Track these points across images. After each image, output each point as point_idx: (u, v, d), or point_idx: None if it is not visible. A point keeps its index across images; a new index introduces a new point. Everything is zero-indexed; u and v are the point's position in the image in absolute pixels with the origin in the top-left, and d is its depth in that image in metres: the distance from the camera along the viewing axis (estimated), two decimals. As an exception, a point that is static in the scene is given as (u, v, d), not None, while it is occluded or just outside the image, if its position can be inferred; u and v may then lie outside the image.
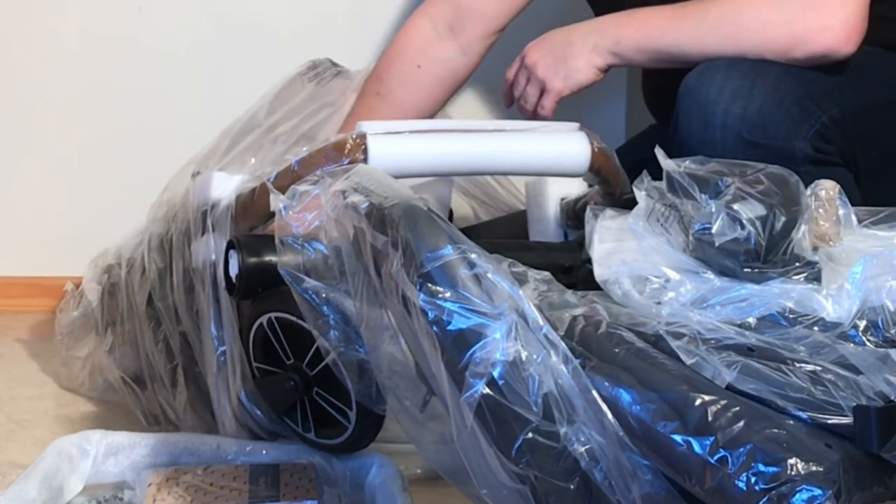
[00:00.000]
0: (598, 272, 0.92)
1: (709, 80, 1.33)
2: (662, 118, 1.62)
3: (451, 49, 1.62)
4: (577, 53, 1.42)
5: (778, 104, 1.31)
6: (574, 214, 1.34)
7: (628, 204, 1.20)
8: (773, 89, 1.32)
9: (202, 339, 1.25)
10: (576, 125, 1.28)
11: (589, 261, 0.96)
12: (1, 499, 1.03)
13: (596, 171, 1.26)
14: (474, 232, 1.50)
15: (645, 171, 0.95)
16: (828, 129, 1.32)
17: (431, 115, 1.63)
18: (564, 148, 1.24)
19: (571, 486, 0.79)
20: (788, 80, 1.33)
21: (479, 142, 1.22)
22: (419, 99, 1.60)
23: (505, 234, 1.50)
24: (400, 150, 1.17)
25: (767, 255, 0.90)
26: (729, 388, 0.77)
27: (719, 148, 1.30)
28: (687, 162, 0.92)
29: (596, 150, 1.24)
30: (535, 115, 1.48)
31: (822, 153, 1.32)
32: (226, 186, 1.25)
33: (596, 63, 1.42)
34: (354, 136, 1.14)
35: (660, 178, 0.95)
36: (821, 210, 0.94)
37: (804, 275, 0.90)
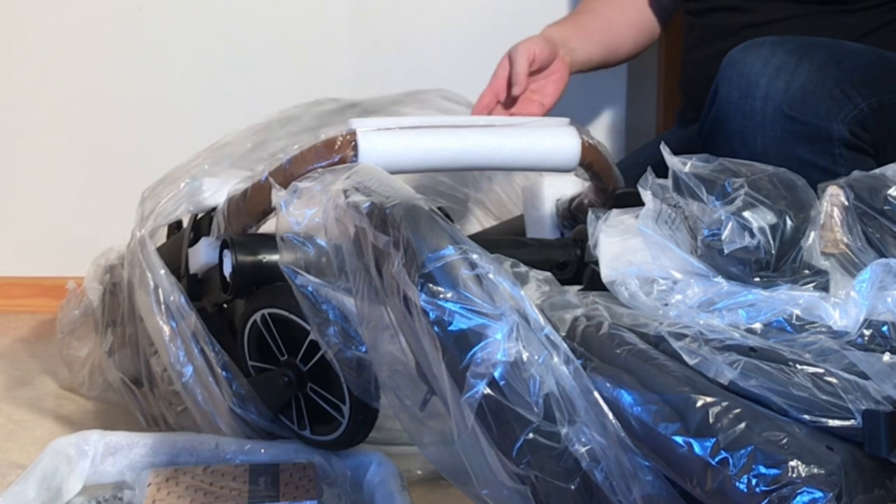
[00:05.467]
0: (605, 273, 0.92)
1: (754, 53, 1.35)
2: (696, 101, 1.62)
3: None
4: None
5: (821, 84, 1.33)
6: (569, 214, 1.34)
7: (621, 199, 1.20)
8: (818, 70, 1.34)
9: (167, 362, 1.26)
10: (566, 120, 1.28)
11: (592, 261, 0.96)
12: (0, 499, 1.02)
13: (587, 166, 1.26)
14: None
15: (649, 169, 0.94)
16: (866, 116, 1.34)
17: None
18: (555, 142, 1.24)
19: (572, 487, 0.79)
20: (832, 64, 1.35)
21: (469, 137, 1.21)
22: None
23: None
24: (390, 146, 1.17)
25: (777, 263, 0.90)
26: (731, 387, 0.77)
27: (758, 119, 1.32)
28: (693, 160, 0.92)
29: (587, 144, 1.25)
30: None
31: (858, 139, 1.34)
32: (217, 191, 1.25)
33: None
34: (345, 132, 1.15)
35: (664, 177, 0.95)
36: (832, 216, 0.94)
37: (813, 284, 0.90)
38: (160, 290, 1.23)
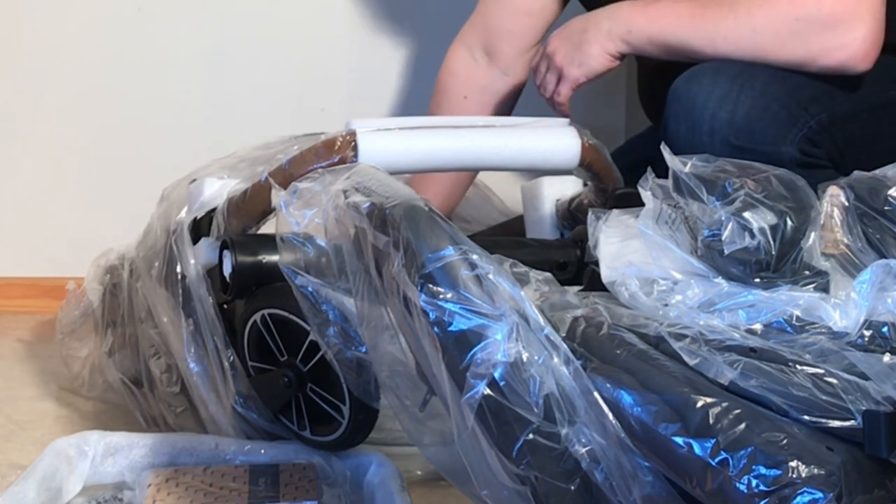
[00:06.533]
0: (605, 273, 0.92)
1: (696, 85, 1.33)
2: (657, 121, 1.62)
3: (492, 73, 1.63)
4: (591, 40, 1.42)
5: (765, 109, 1.31)
6: (569, 214, 1.34)
7: (621, 199, 1.20)
8: (761, 94, 1.32)
9: (177, 358, 1.26)
10: (566, 120, 1.28)
11: (592, 261, 0.96)
12: (0, 500, 1.02)
13: (587, 167, 1.26)
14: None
15: (649, 169, 0.94)
16: (816, 133, 1.32)
17: None
18: (554, 143, 1.25)
19: (572, 488, 0.79)
20: (776, 85, 1.33)
21: (469, 137, 1.22)
22: None
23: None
24: (390, 146, 1.17)
25: (778, 264, 0.90)
26: (731, 388, 0.77)
27: (707, 152, 1.30)
28: (693, 160, 0.92)
29: (586, 144, 1.25)
30: (552, 103, 1.48)
31: (810, 157, 1.32)
32: (218, 191, 1.25)
33: (609, 49, 1.41)
34: (345, 133, 1.15)
35: (662, 177, 0.95)
36: (833, 216, 0.94)
37: (813, 284, 0.90)
38: (187, 281, 1.22)
